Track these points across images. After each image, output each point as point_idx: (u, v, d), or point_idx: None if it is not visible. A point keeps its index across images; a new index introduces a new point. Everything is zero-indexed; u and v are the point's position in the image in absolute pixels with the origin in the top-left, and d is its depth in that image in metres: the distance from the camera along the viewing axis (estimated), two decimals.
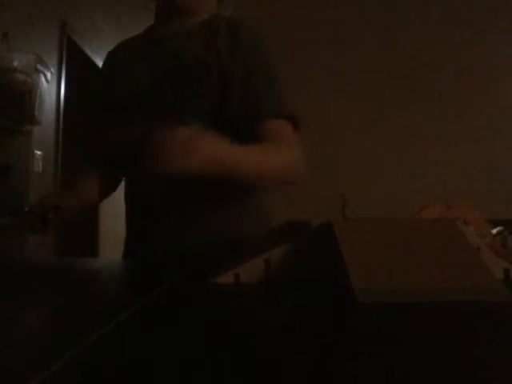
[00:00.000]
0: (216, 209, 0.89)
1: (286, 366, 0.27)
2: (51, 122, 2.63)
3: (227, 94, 0.86)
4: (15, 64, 1.93)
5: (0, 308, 0.44)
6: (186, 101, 0.87)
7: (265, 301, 0.49)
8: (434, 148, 3.86)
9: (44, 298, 0.51)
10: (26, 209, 0.90)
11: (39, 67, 2.05)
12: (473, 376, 0.25)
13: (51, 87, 2.47)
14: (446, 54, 3.91)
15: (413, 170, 3.84)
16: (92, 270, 0.77)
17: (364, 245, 0.50)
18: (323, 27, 4.09)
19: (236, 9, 2.94)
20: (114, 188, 1.11)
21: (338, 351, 0.30)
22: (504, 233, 0.76)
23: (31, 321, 0.39)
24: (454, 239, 0.52)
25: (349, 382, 0.25)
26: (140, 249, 0.95)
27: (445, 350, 0.30)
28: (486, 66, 3.87)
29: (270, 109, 0.85)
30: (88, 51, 3.21)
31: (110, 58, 1.05)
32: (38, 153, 2.47)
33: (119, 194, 1.07)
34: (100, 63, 3.52)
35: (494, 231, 0.77)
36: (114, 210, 2.41)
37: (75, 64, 2.99)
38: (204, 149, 0.69)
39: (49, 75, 2.16)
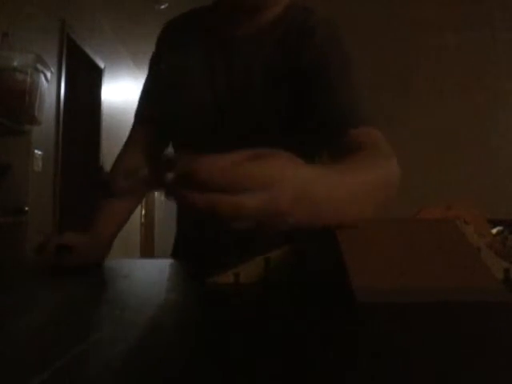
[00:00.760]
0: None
1: (286, 366, 0.27)
2: (51, 121, 2.63)
3: (310, 103, 0.76)
4: (15, 63, 1.93)
5: (0, 308, 0.44)
6: (268, 121, 0.78)
7: (265, 301, 0.49)
8: (434, 147, 3.86)
9: (44, 297, 0.51)
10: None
11: (39, 67, 2.05)
12: (473, 376, 0.25)
13: (51, 87, 2.47)
14: (446, 50, 3.91)
15: (412, 169, 3.84)
16: (91, 270, 0.77)
17: (364, 245, 0.50)
18: None
19: None
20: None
21: (338, 351, 0.30)
22: (504, 233, 0.76)
23: (31, 320, 0.39)
24: (454, 239, 0.52)
25: (349, 381, 0.25)
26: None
27: (445, 349, 0.30)
28: (485, 65, 3.88)
29: (361, 114, 0.73)
30: (88, 50, 3.21)
31: (167, 56, 0.91)
32: (38, 152, 2.47)
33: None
34: (100, 62, 3.52)
35: (494, 231, 0.77)
36: None
37: (75, 63, 2.99)
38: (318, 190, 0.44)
39: (49, 75, 2.16)
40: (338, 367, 0.27)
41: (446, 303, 0.43)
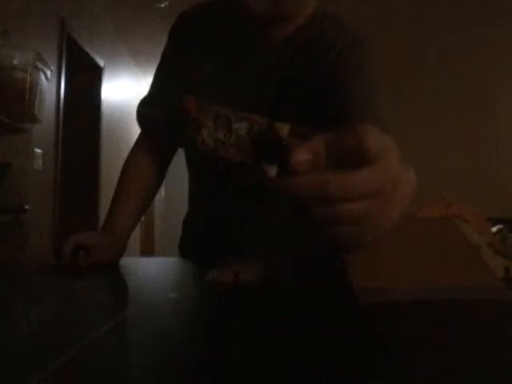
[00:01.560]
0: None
1: (286, 366, 0.27)
2: (51, 119, 2.63)
3: (340, 114, 0.73)
4: (15, 62, 1.92)
5: (0, 308, 0.44)
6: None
7: (265, 301, 0.49)
8: (434, 147, 3.86)
9: (44, 297, 0.51)
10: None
11: (39, 65, 2.04)
12: (474, 373, 0.25)
13: (51, 85, 2.46)
14: (443, 55, 3.91)
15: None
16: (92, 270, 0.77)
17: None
18: None
19: None
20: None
21: (338, 351, 0.30)
22: (504, 231, 0.76)
23: (30, 319, 0.39)
24: (454, 238, 0.52)
25: (350, 380, 0.25)
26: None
27: (445, 348, 0.30)
28: (486, 65, 3.87)
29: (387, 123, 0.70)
30: (88, 49, 3.20)
31: (193, 55, 0.85)
32: (38, 151, 2.47)
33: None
34: (100, 61, 3.52)
35: (494, 229, 0.77)
36: None
37: (75, 62, 2.98)
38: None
39: (48, 73, 2.16)
40: (338, 367, 0.27)
41: (446, 302, 0.43)
